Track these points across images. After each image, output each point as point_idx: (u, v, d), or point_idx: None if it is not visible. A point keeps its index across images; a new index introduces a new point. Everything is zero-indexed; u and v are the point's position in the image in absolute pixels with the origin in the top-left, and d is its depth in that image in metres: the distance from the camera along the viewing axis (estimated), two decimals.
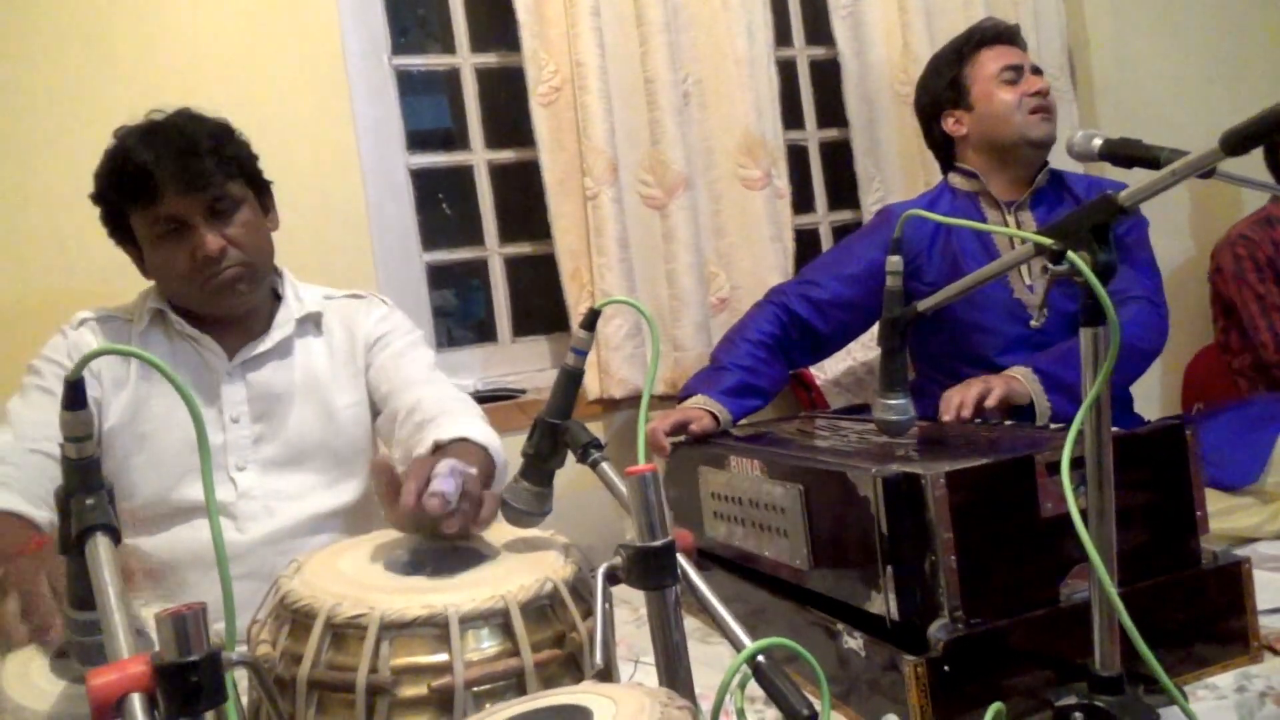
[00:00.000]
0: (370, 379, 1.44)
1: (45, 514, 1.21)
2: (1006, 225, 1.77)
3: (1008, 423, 1.43)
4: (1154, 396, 2.40)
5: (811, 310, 1.75)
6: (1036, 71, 1.79)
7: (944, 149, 1.86)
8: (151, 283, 1.40)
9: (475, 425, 1.30)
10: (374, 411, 1.46)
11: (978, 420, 1.45)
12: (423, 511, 0.89)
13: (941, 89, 1.82)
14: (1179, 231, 2.47)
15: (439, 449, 1.25)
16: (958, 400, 1.47)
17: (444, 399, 1.37)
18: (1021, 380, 1.53)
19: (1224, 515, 1.55)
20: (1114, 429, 0.91)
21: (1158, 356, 1.71)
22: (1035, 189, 1.78)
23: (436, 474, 0.91)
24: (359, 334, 1.45)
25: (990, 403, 1.46)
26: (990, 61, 1.77)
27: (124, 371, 1.35)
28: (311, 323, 1.44)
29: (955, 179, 1.84)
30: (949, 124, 1.82)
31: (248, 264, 1.34)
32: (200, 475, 1.30)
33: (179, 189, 1.27)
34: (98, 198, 1.33)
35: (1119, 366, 1.59)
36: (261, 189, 1.40)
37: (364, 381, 1.45)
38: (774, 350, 1.73)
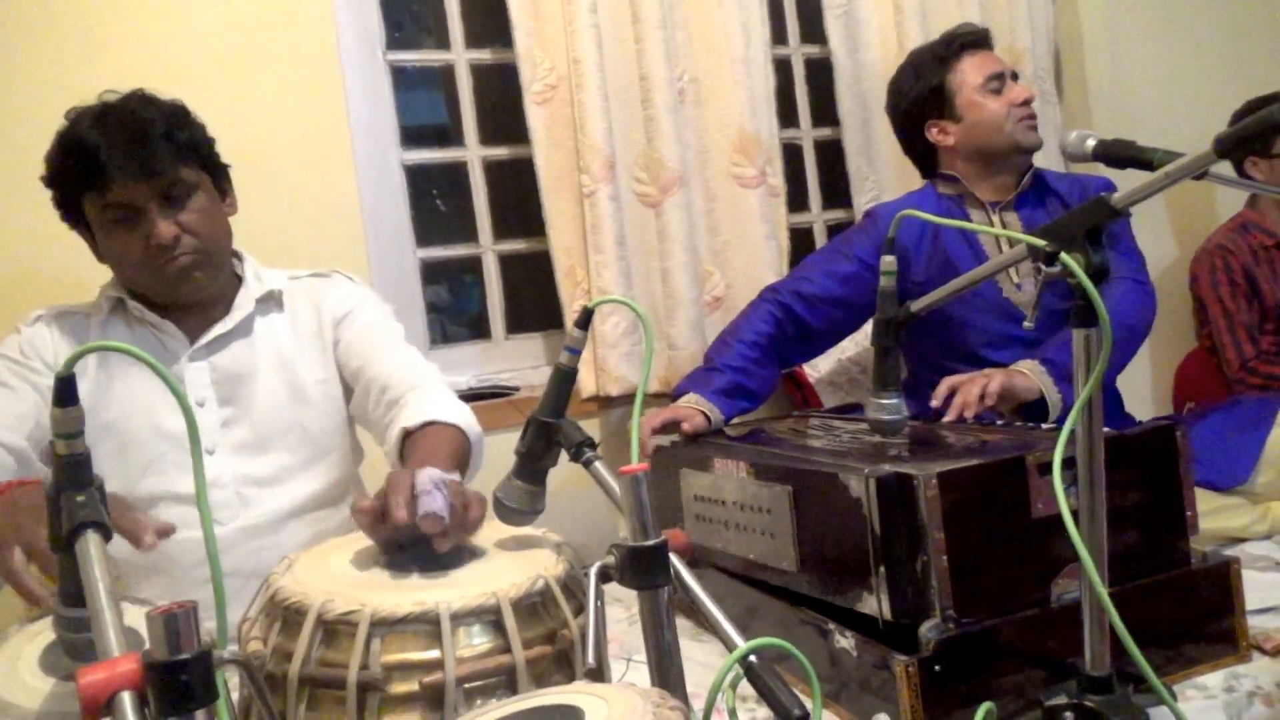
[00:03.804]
0: (339, 356, 1.42)
1: None
2: (991, 226, 1.78)
3: (1016, 423, 1.42)
4: (1145, 397, 2.41)
5: (805, 306, 1.76)
6: (1015, 77, 1.80)
7: (926, 155, 1.87)
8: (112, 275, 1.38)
9: (444, 403, 1.27)
10: (346, 389, 1.43)
11: (980, 420, 1.44)
12: (412, 528, 0.87)
13: (924, 96, 1.81)
14: (1160, 235, 2.48)
15: (408, 436, 1.23)
16: (960, 401, 1.45)
17: (412, 374, 1.35)
18: (1029, 375, 1.51)
19: (1213, 515, 1.56)
20: (1105, 429, 0.91)
21: (1148, 336, 1.72)
22: (1020, 190, 1.79)
23: (421, 491, 0.88)
24: (325, 310, 1.42)
25: (990, 399, 1.44)
26: (974, 70, 1.78)
27: (82, 360, 1.31)
28: (273, 300, 1.42)
29: (938, 184, 1.85)
30: (934, 133, 1.82)
31: (202, 251, 1.31)
32: (169, 464, 1.31)
33: (129, 175, 1.23)
34: (48, 181, 1.30)
35: (1114, 348, 1.60)
36: (218, 173, 1.36)
37: (333, 359, 1.42)
38: (767, 351, 1.73)
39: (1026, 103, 1.75)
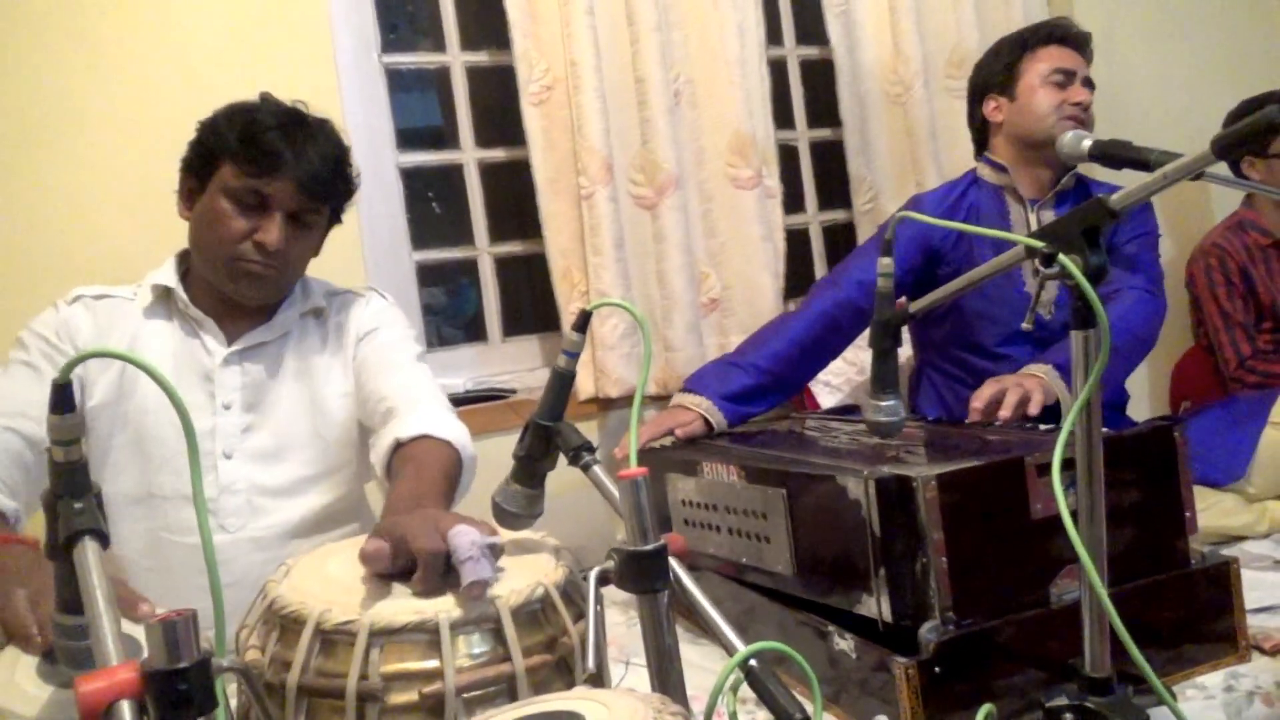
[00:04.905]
0: (355, 370, 1.43)
1: (9, 502, 1.19)
2: (1028, 221, 1.79)
3: (1028, 425, 1.42)
4: (1143, 396, 2.41)
5: (865, 294, 1.71)
6: (1088, 84, 1.80)
7: (979, 133, 1.88)
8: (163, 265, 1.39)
9: (440, 419, 1.27)
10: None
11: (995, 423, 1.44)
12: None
13: (995, 71, 1.83)
14: None
15: (400, 447, 1.23)
16: (990, 393, 1.44)
17: (412, 391, 1.35)
18: (1046, 378, 1.51)
19: (1208, 512, 1.56)
20: (1104, 430, 0.91)
21: (1155, 343, 1.72)
22: (1060, 190, 1.79)
23: (466, 558, 0.82)
24: (351, 326, 1.44)
25: (1034, 409, 1.43)
26: (1048, 59, 1.78)
27: (118, 345, 1.32)
28: (313, 315, 1.44)
29: (984, 170, 1.85)
30: (989, 107, 1.83)
31: (283, 273, 1.35)
32: (186, 464, 1.29)
33: (294, 183, 1.29)
34: (211, 133, 1.33)
35: (1120, 354, 1.60)
36: (332, 224, 1.42)
37: (352, 373, 1.43)
38: (809, 350, 1.70)
39: (1079, 105, 1.75)
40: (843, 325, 1.73)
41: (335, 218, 1.42)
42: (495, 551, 0.84)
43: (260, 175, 1.28)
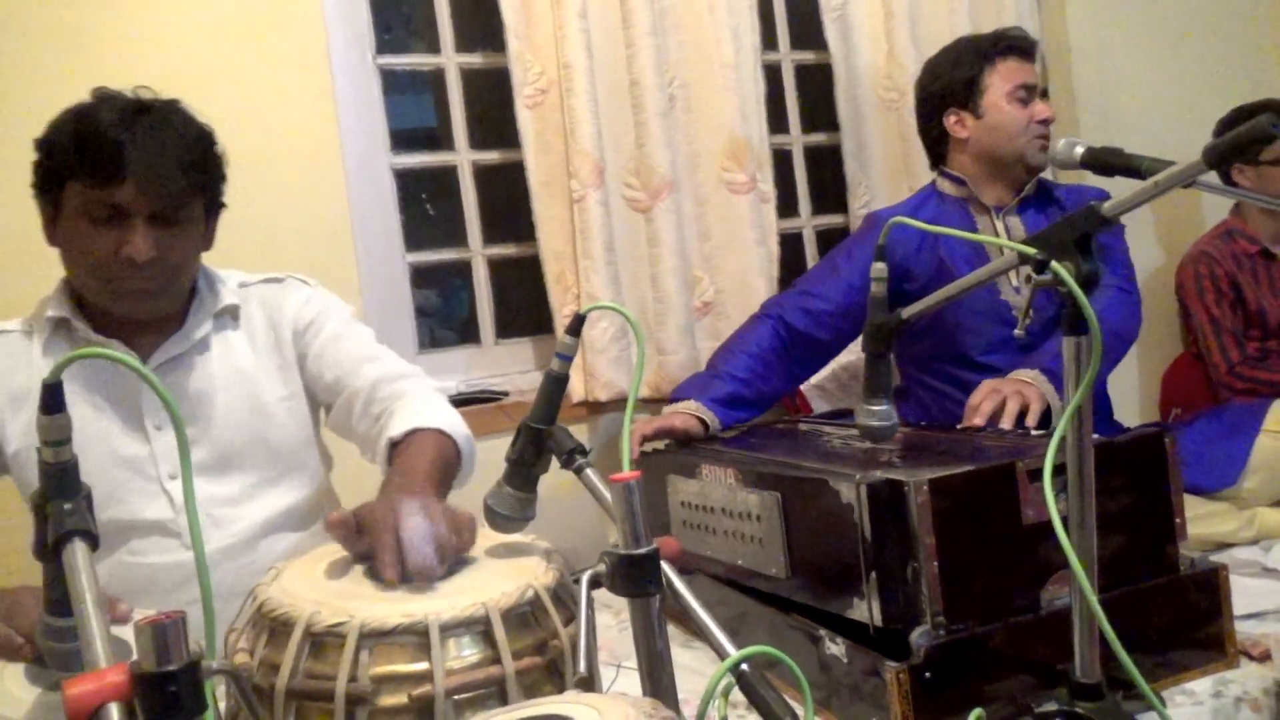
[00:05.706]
0: (309, 369, 1.35)
1: None
2: (995, 230, 1.79)
3: (1020, 430, 1.42)
4: (1132, 403, 2.42)
5: (811, 322, 1.73)
6: (1044, 95, 1.81)
7: (937, 145, 1.86)
8: (53, 289, 1.31)
9: (428, 409, 1.24)
10: (314, 402, 1.38)
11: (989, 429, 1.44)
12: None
13: (955, 84, 1.80)
14: (1146, 241, 2.49)
15: (394, 446, 1.20)
16: (990, 406, 1.44)
17: (394, 383, 1.30)
18: (1035, 384, 1.52)
19: (1199, 521, 1.57)
20: (1095, 436, 0.91)
21: (1134, 342, 1.74)
22: (1023, 196, 1.80)
23: (409, 547, 0.86)
24: (283, 322, 1.35)
25: (1031, 420, 1.43)
26: (1010, 74, 1.78)
27: (25, 385, 1.23)
28: (229, 315, 1.34)
29: (943, 184, 1.85)
30: (950, 121, 1.82)
31: (166, 279, 1.24)
32: (131, 492, 1.25)
33: (141, 185, 1.16)
34: (47, 150, 1.21)
35: (1103, 353, 1.61)
36: (215, 210, 1.31)
37: (297, 374, 1.35)
38: (773, 365, 1.71)
39: (1045, 122, 1.76)
40: (794, 349, 1.74)
41: (214, 205, 1.30)
42: (435, 534, 0.88)
43: (107, 184, 1.15)
